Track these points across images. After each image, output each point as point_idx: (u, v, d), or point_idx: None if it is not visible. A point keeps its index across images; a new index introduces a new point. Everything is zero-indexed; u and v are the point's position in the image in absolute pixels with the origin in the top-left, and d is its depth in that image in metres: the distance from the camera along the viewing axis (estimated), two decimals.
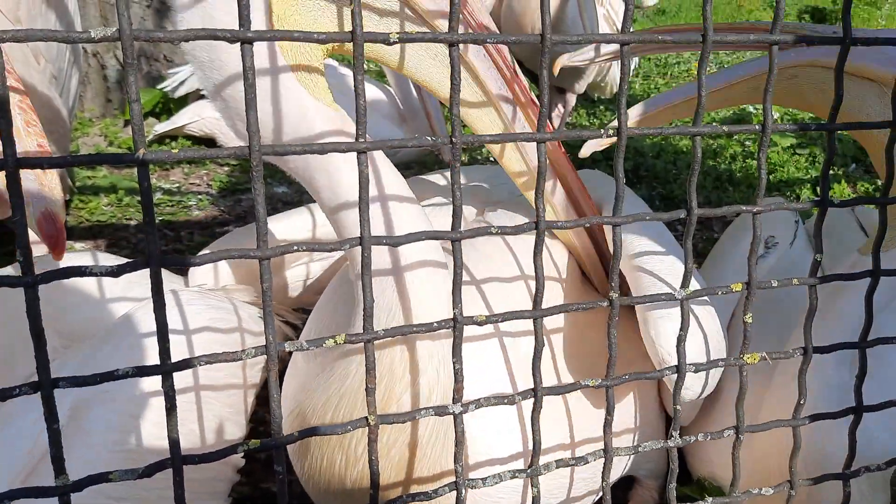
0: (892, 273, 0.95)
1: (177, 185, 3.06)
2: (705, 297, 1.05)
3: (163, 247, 2.52)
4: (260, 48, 0.89)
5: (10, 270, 1.13)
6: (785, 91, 1.31)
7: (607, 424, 0.86)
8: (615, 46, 1.45)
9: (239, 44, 0.61)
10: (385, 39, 0.67)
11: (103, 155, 0.59)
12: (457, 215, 0.73)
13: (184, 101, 3.51)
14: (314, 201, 1.00)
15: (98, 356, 0.98)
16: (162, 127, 3.32)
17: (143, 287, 1.21)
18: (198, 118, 3.27)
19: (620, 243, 0.81)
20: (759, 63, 1.29)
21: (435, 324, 0.75)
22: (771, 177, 3.34)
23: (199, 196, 2.97)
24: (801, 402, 0.95)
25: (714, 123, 4.20)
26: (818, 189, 3.18)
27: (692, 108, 0.88)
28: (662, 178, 3.31)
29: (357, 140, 0.67)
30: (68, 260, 1.16)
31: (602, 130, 0.77)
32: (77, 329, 1.06)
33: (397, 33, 0.66)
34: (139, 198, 2.66)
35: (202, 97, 3.35)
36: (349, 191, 0.92)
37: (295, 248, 0.68)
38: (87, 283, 1.13)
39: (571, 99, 4.04)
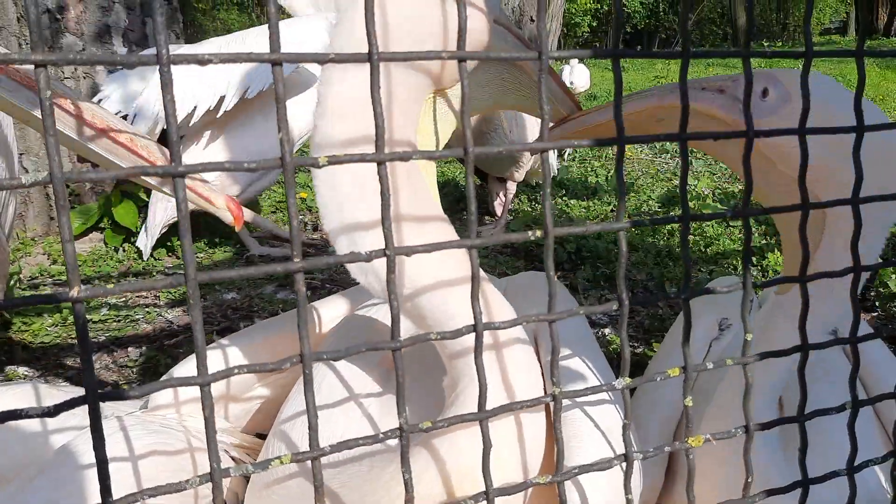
0: (821, 346, 0.99)
1: (123, 299, 3.02)
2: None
3: (109, 364, 2.47)
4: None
5: None
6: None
7: None
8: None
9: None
10: (314, 163, 0.69)
11: (37, 296, 0.60)
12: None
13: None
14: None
15: (30, 492, 0.94)
16: (148, 244, 3.35)
17: (81, 416, 1.18)
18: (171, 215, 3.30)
19: (558, 339, 0.84)
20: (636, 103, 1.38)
21: (380, 434, 0.76)
22: (708, 249, 3.45)
23: (147, 309, 2.93)
24: (749, 480, 0.97)
25: (638, 216, 4.33)
26: (754, 259, 3.29)
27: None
28: (605, 257, 3.39)
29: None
30: (4, 394, 1.13)
31: (529, 232, 0.80)
32: (11, 467, 1.03)
33: (327, 157, 0.69)
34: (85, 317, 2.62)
35: None
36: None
37: (236, 370, 0.69)
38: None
39: (512, 187, 4.16)
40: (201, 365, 0.66)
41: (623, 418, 0.90)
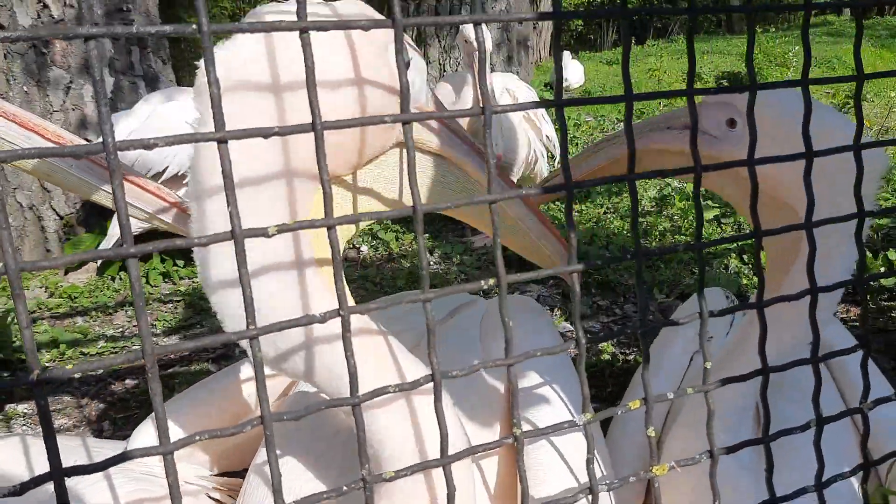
0: (781, 369, 1.01)
1: (120, 329, 3.05)
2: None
3: (107, 397, 2.50)
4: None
5: None
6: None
7: None
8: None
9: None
10: (264, 233, 0.72)
11: (3, 382, 0.62)
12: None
13: None
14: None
15: None
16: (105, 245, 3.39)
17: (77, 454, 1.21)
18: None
19: (516, 381, 0.86)
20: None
21: (345, 487, 0.78)
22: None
23: None
24: (716, 503, 0.99)
25: (629, 218, 4.34)
26: (744, 257, 3.31)
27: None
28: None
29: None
30: None
31: (482, 282, 0.83)
32: None
33: (276, 226, 0.72)
34: (83, 349, 2.63)
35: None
36: None
37: (197, 437, 0.71)
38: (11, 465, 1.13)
39: None
40: (163, 435, 0.69)
41: (588, 451, 0.92)
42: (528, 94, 4.09)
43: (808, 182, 1.00)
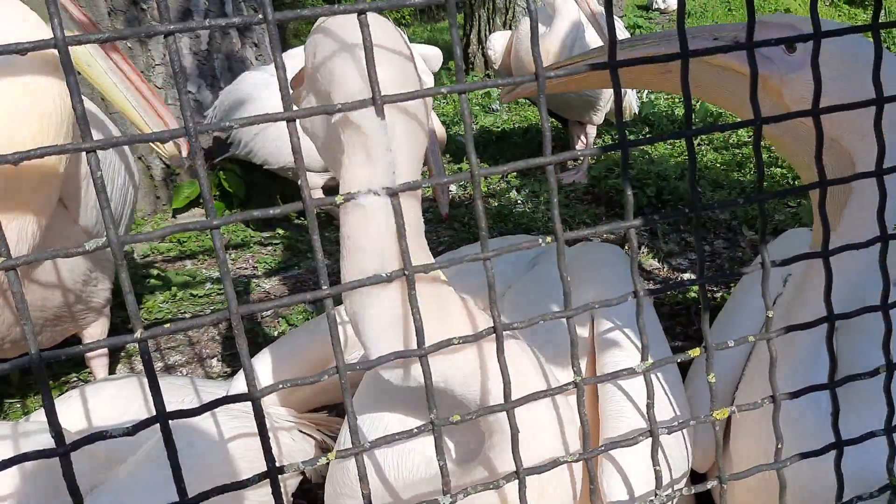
0: (846, 316, 1.02)
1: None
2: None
3: (217, 338, 2.69)
4: None
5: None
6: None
7: (593, 493, 0.95)
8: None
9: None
10: (332, 202, 0.78)
11: (101, 342, 0.72)
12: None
13: None
14: None
15: (139, 476, 1.11)
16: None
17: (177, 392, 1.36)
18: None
19: (575, 332, 0.91)
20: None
21: (414, 429, 0.86)
22: (796, 182, 3.35)
23: (246, 280, 3.15)
24: (779, 447, 1.02)
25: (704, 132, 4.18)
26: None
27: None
28: (687, 199, 3.36)
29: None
30: (106, 387, 1.30)
31: (539, 238, 0.87)
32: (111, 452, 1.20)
33: (342, 196, 0.78)
34: (192, 291, 2.83)
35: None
36: None
37: (280, 385, 0.80)
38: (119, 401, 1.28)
39: (592, 130, 4.13)
40: (250, 384, 0.78)
41: (647, 397, 0.96)
42: (621, 30, 3.97)
43: (879, 130, 0.98)
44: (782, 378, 1.22)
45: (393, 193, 0.81)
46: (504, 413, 0.90)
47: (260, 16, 0.71)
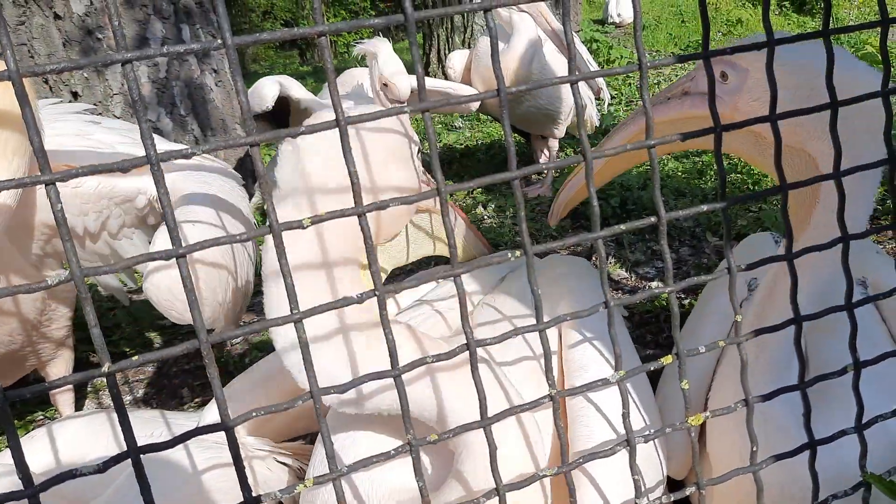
0: (813, 317, 1.03)
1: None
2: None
3: (186, 367, 2.65)
4: None
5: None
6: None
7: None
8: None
9: None
10: (299, 225, 0.78)
11: (67, 378, 0.70)
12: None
13: None
14: None
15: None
16: None
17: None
18: None
19: (548, 345, 0.91)
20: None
21: (392, 451, 0.85)
22: (756, 187, 3.41)
23: None
24: (754, 449, 1.03)
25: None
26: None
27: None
28: (650, 209, 3.39)
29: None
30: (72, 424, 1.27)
31: (508, 253, 0.87)
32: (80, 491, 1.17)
33: (309, 218, 0.78)
34: (159, 321, 2.75)
35: None
36: None
37: (254, 413, 0.79)
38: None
39: (554, 143, 4.17)
40: (223, 414, 0.77)
41: (623, 406, 0.96)
42: (577, 42, 4.03)
43: (835, 133, 1.00)
44: (758, 380, 1.23)
45: (361, 214, 0.80)
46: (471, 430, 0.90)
47: (219, 41, 0.70)
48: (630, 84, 6.23)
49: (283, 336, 1.10)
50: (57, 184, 0.67)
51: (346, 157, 0.77)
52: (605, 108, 4.96)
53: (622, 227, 0.92)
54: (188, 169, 1.86)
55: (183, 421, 1.33)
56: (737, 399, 1.02)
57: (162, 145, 2.02)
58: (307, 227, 0.77)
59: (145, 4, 3.84)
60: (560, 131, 4.04)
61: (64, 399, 2.09)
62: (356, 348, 1.10)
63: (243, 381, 1.42)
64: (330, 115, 0.79)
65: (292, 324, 0.78)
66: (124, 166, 0.70)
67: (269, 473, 1.38)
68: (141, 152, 1.84)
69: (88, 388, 2.56)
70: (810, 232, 1.26)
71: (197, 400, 2.48)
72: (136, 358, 0.74)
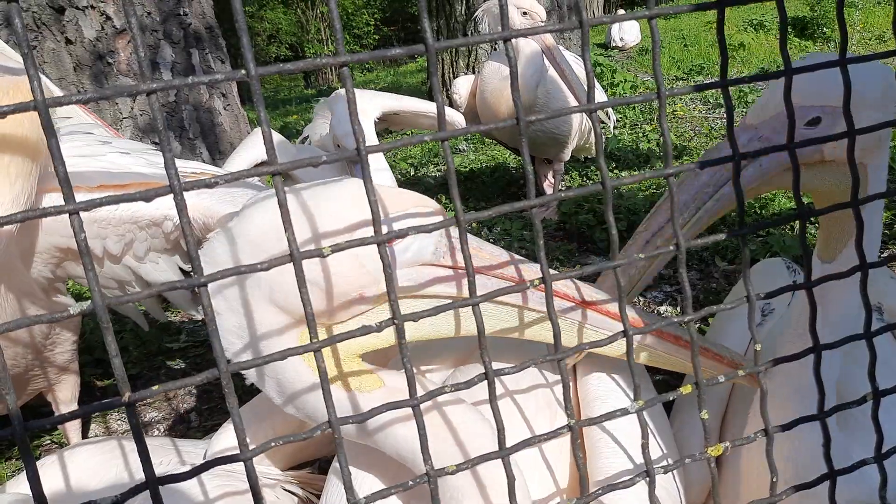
0: (834, 346, 1.02)
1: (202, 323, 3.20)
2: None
3: (194, 391, 2.64)
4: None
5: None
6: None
7: None
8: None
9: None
10: (319, 254, 0.78)
11: (89, 407, 0.70)
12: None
13: None
14: None
15: None
16: None
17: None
18: None
19: (566, 374, 0.90)
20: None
21: (410, 482, 0.84)
22: (763, 211, 3.41)
23: None
24: (774, 480, 1.02)
25: None
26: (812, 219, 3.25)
27: None
28: None
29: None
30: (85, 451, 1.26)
31: (528, 283, 0.87)
32: None
33: (329, 247, 0.77)
34: (168, 344, 2.75)
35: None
36: None
37: (272, 444, 0.78)
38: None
39: (560, 167, 4.18)
40: (242, 444, 0.76)
41: (642, 437, 0.96)
42: (577, 64, 4.05)
43: (853, 160, 1.00)
44: (791, 405, 1.22)
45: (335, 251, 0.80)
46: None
47: (243, 71, 0.71)
48: (634, 107, 6.25)
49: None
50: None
51: (367, 186, 0.77)
52: (611, 131, 4.98)
53: (641, 255, 0.92)
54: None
55: (191, 448, 1.32)
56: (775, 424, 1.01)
57: (182, 167, 2.02)
58: (327, 255, 0.77)
59: (155, 29, 3.88)
60: (565, 154, 4.05)
61: (72, 425, 2.08)
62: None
63: (253, 408, 1.41)
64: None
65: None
66: (148, 196, 0.70)
67: (277, 502, 1.37)
68: (154, 172, 1.85)
69: (95, 413, 2.55)
70: (842, 258, 1.26)
71: (206, 423, 2.47)
72: (156, 387, 0.73)
